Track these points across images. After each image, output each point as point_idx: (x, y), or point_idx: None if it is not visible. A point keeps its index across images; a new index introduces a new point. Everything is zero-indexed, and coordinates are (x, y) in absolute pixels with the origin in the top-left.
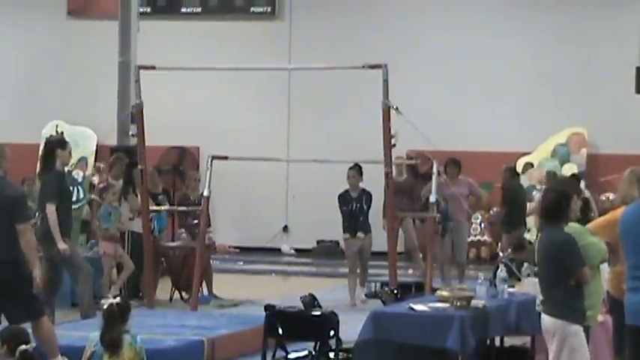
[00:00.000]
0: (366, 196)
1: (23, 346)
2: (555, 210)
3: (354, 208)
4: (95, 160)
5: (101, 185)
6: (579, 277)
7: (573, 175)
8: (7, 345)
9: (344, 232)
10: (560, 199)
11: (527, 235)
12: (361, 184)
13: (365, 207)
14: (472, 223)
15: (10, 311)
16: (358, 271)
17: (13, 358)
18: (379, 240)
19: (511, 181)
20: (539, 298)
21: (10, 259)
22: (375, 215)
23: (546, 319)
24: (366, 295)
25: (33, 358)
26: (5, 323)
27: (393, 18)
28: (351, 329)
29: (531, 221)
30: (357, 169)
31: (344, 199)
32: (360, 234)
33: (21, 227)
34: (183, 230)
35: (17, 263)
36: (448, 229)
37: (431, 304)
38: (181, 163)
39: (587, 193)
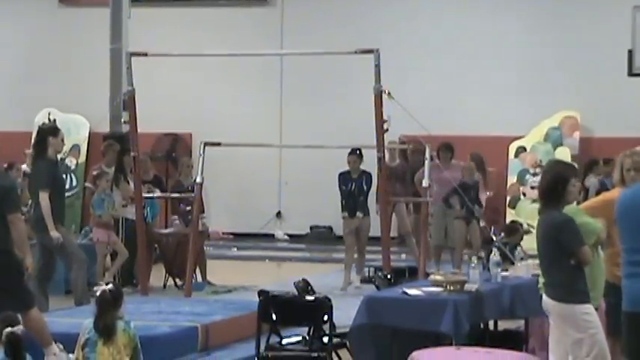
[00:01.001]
0: (367, 176)
1: (9, 329)
2: (552, 192)
3: (352, 188)
4: (88, 148)
5: (94, 172)
6: (580, 256)
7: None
8: None
9: (342, 211)
10: (556, 182)
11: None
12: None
13: (365, 187)
14: None
15: None
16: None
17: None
18: (373, 225)
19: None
20: (541, 280)
21: (1, 248)
22: (369, 200)
23: (548, 302)
24: (360, 281)
25: (20, 340)
26: None
27: (385, 3)
28: (345, 314)
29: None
30: (357, 154)
31: (344, 178)
32: (358, 214)
33: (12, 217)
34: (176, 217)
35: (8, 253)
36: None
37: (424, 289)
38: (174, 149)
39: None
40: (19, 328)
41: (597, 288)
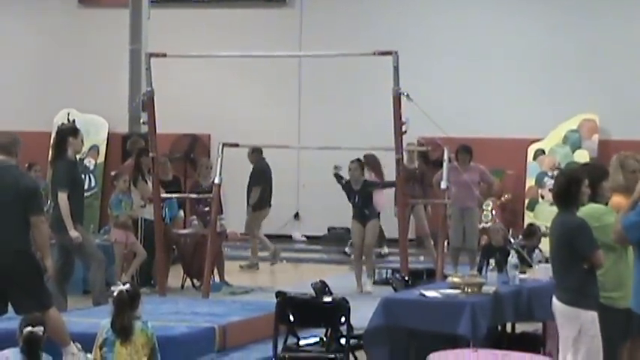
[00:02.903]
0: (370, 186)
1: (29, 328)
2: (565, 194)
3: (356, 201)
4: (107, 148)
5: (112, 172)
6: (593, 260)
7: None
8: (20, 329)
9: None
10: (569, 183)
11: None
12: (367, 175)
13: (367, 197)
14: (483, 210)
15: (17, 300)
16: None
17: None
18: (391, 227)
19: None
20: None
21: (22, 248)
22: (387, 202)
23: (558, 305)
24: (375, 283)
25: (38, 340)
26: (12, 313)
27: (404, 5)
28: (362, 316)
29: None
30: (357, 163)
31: (347, 190)
32: (364, 224)
33: (35, 220)
34: (194, 217)
35: (28, 253)
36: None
37: (442, 291)
38: (192, 150)
39: None
40: (39, 329)
41: (625, 288)
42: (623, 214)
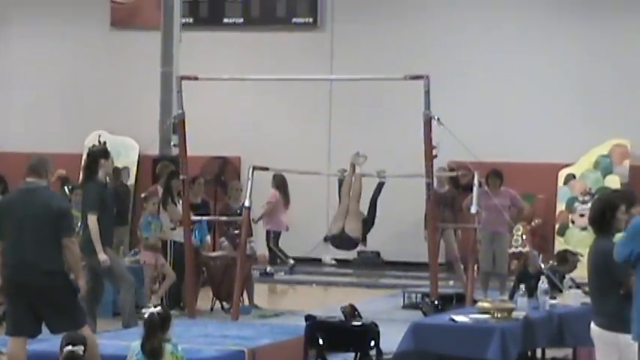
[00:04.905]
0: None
1: (69, 347)
2: (600, 220)
3: None
4: (137, 170)
5: (143, 195)
6: (628, 285)
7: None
8: (61, 347)
9: None
10: (604, 209)
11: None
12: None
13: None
14: (513, 235)
15: (52, 320)
16: None
17: None
18: (420, 251)
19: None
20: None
21: (55, 269)
22: (417, 226)
23: (597, 331)
24: (404, 307)
25: (79, 359)
26: (46, 332)
27: (435, 29)
28: (391, 340)
29: None
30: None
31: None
32: None
33: (66, 241)
34: (224, 239)
35: (61, 273)
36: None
37: (472, 316)
38: (222, 173)
39: None
40: (79, 348)
41: None
42: None
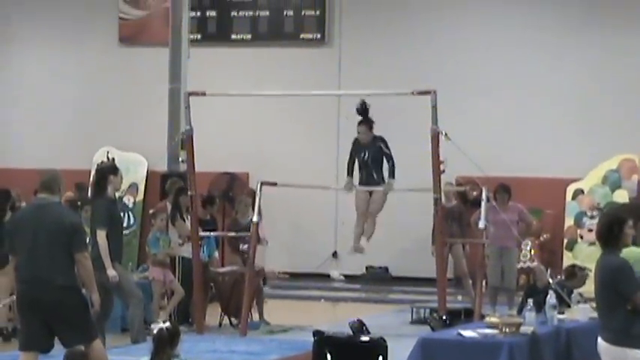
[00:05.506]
0: (379, 143)
1: None
2: (607, 235)
3: (365, 157)
4: (146, 186)
5: (151, 211)
6: (636, 301)
7: None
8: None
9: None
10: (611, 224)
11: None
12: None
13: (378, 156)
14: (521, 250)
15: (65, 334)
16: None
17: None
18: (429, 266)
19: None
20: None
21: (68, 284)
22: (425, 241)
23: (604, 346)
24: (412, 322)
25: None
26: (57, 348)
27: (442, 43)
28: (399, 355)
29: None
30: (367, 126)
31: (356, 147)
32: (369, 186)
33: (78, 255)
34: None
35: (74, 288)
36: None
37: (480, 331)
38: (231, 189)
39: None
40: None
41: None
42: None
